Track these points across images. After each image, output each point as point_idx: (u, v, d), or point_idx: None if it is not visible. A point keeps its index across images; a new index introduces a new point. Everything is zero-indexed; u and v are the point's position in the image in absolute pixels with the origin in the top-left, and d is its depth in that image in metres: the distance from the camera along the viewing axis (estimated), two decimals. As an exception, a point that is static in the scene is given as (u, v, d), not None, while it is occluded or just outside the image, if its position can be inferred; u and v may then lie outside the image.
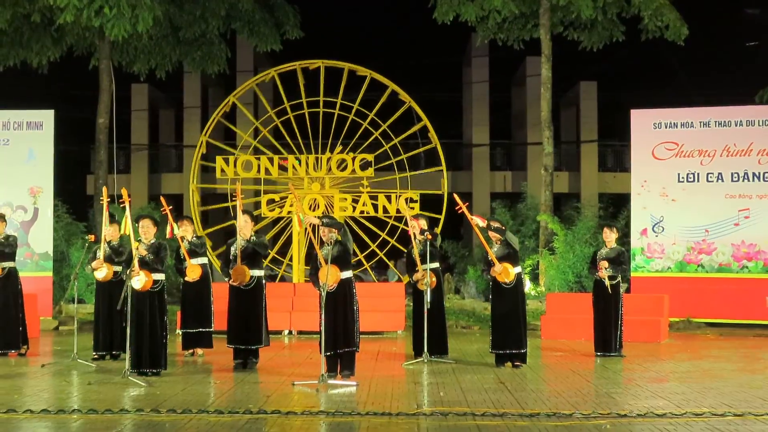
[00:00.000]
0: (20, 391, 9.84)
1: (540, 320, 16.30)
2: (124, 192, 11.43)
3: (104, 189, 12.33)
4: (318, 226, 10.88)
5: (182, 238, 12.76)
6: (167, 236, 12.96)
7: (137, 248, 10.72)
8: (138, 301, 10.73)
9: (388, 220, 19.64)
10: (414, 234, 12.58)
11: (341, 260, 10.51)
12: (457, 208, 12.15)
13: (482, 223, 11.93)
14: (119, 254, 12.43)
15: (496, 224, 11.83)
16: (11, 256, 13.20)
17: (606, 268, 12.80)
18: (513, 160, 31.08)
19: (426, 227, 12.67)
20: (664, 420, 8.06)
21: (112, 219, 13.16)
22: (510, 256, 11.72)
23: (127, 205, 11.26)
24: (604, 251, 13.08)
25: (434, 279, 12.33)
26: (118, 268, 12.59)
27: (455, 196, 12.44)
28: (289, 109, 20.27)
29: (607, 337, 12.88)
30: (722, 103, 18.38)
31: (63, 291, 18.62)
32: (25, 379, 10.88)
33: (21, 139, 18.21)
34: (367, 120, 20.01)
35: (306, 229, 12.64)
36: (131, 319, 10.60)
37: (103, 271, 12.46)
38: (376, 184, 20.14)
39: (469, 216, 11.98)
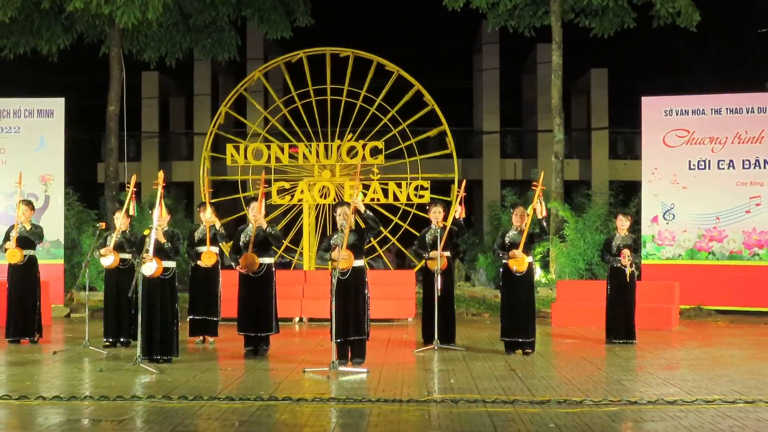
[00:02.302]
0: (32, 378, 9.89)
1: (550, 308, 16.30)
2: (160, 175, 11.35)
3: (134, 176, 12.06)
4: (336, 212, 10.89)
5: (211, 223, 12.83)
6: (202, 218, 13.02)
7: (148, 234, 10.75)
8: (149, 289, 10.76)
9: (396, 207, 19.62)
10: (454, 217, 12.62)
11: (355, 248, 10.55)
12: (533, 185, 12.11)
13: (543, 213, 11.88)
14: (131, 244, 12.44)
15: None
16: (35, 245, 13.30)
17: (628, 256, 12.81)
18: (523, 148, 30.98)
19: (443, 214, 12.68)
20: (674, 407, 8.05)
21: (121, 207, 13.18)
22: (528, 247, 11.78)
23: (160, 189, 11.21)
24: (620, 239, 13.07)
25: (445, 261, 12.32)
26: (126, 256, 12.62)
27: (542, 174, 12.37)
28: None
29: (630, 324, 12.91)
30: (734, 90, 18.29)
31: (74, 278, 18.69)
32: (37, 366, 10.92)
33: (32, 127, 18.28)
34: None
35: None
36: (142, 306, 10.63)
37: (110, 259, 12.49)
38: (386, 173, 20.11)
39: (539, 197, 11.87)
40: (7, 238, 13.22)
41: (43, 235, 13.55)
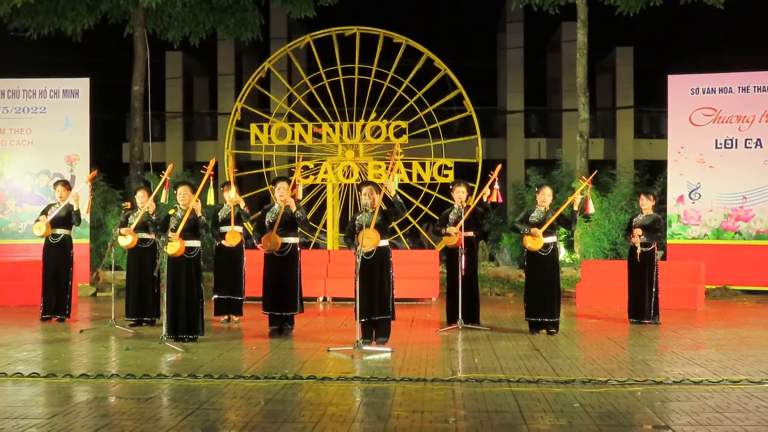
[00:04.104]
0: (60, 356, 9.97)
1: (575, 287, 16.26)
2: (212, 162, 11.34)
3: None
4: (361, 191, 10.86)
5: (235, 203, 12.83)
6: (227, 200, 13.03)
7: (173, 214, 10.78)
8: (174, 268, 10.82)
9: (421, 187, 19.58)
10: (482, 198, 12.56)
11: (381, 228, 10.56)
12: (581, 178, 12.18)
13: (591, 210, 12.02)
14: (155, 225, 12.48)
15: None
16: (71, 225, 13.43)
17: (640, 236, 12.78)
18: (548, 127, 30.87)
19: (466, 194, 12.61)
20: (700, 387, 8.02)
21: (147, 188, 13.21)
22: (553, 227, 11.80)
23: (207, 174, 11.22)
24: (640, 218, 13.06)
25: (461, 238, 12.21)
26: (146, 236, 12.67)
27: (594, 173, 12.43)
28: (324, 76, 20.24)
29: (640, 303, 12.86)
30: (761, 68, 18.10)
31: (100, 258, 18.80)
32: (65, 345, 11.01)
33: (57, 107, 18.36)
34: (402, 87, 19.92)
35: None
36: (168, 286, 10.69)
37: (128, 239, 12.56)
38: (410, 152, 20.05)
39: (588, 192, 11.96)
40: (43, 213, 13.39)
41: (81, 218, 13.66)
